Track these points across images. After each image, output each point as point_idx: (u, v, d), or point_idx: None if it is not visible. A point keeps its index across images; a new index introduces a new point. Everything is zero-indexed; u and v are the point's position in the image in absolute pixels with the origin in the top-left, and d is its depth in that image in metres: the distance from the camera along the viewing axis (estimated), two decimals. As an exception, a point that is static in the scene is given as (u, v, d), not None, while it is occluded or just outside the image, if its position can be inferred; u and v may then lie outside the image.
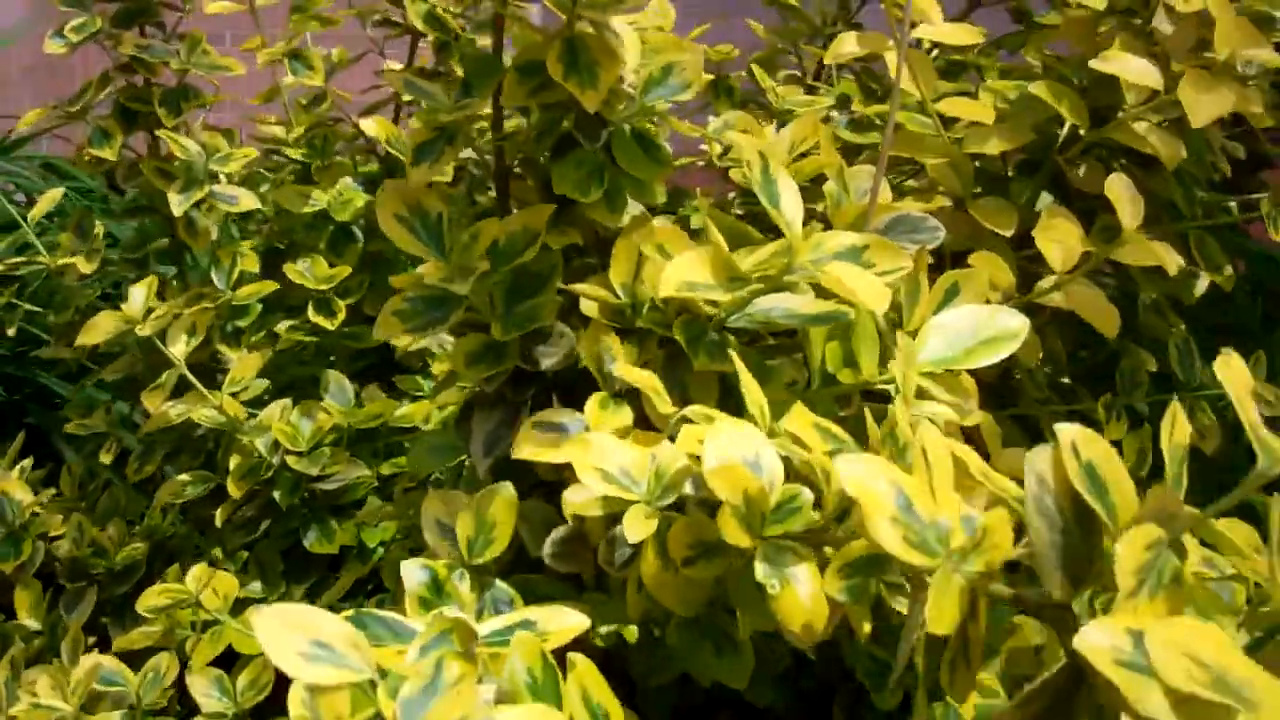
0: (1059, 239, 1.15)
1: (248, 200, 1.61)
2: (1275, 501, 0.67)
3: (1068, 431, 0.69)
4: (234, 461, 1.42)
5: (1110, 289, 1.35)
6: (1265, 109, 1.21)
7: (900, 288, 0.99)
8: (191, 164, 1.57)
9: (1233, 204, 1.39)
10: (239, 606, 1.32)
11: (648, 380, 0.97)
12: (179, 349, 1.42)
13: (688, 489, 0.88)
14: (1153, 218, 1.23)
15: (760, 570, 0.80)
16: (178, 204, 1.55)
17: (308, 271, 1.64)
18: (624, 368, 0.99)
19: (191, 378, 1.42)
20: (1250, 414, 0.69)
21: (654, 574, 0.88)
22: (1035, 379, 1.35)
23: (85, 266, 1.59)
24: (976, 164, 1.27)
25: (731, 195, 1.42)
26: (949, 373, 0.94)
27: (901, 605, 0.90)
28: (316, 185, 1.72)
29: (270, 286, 1.60)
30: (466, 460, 1.19)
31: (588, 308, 1.06)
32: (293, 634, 0.69)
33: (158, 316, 1.43)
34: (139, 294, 1.44)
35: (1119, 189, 1.13)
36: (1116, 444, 1.34)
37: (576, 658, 0.73)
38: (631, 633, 1.02)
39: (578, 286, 1.05)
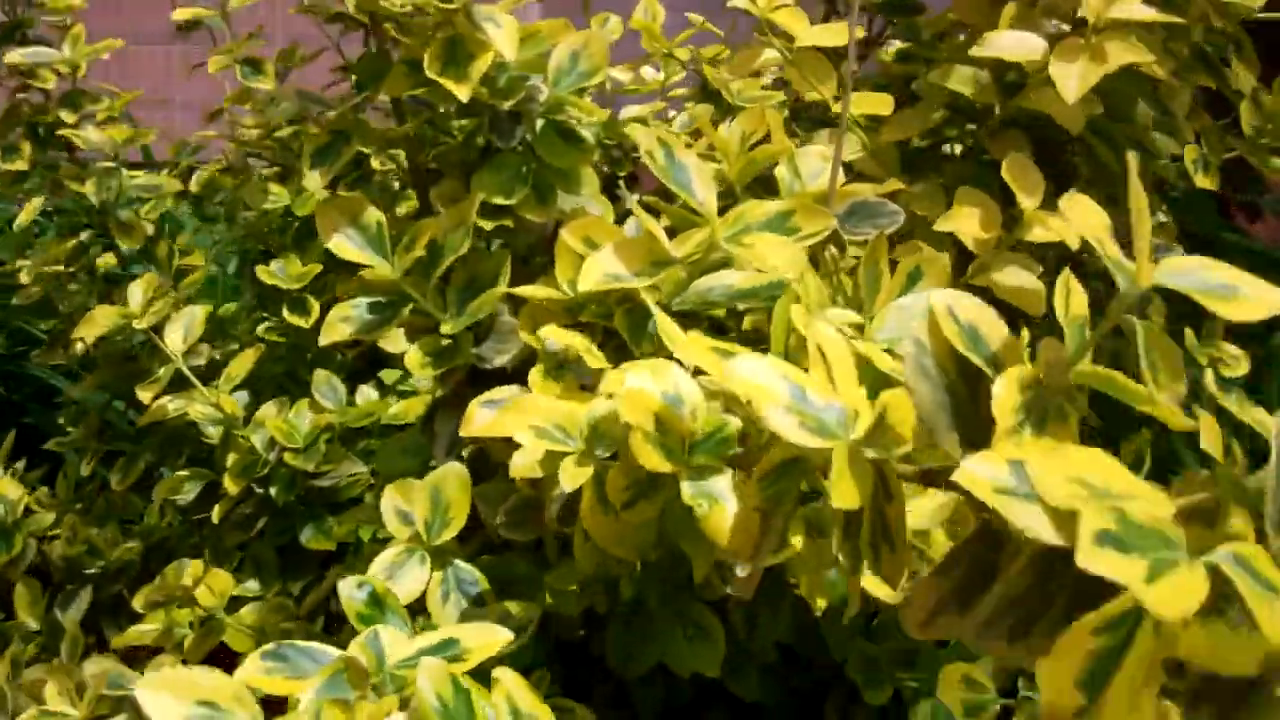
0: (969, 222, 1.16)
1: (171, 186, 1.65)
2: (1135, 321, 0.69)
3: (943, 295, 0.70)
4: (231, 458, 1.44)
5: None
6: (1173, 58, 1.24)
7: (860, 274, 1.00)
8: (103, 149, 1.61)
9: (1191, 161, 1.38)
10: (236, 605, 1.35)
11: (578, 341, 0.99)
12: (175, 343, 1.45)
13: (620, 435, 0.89)
14: (1094, 183, 1.25)
15: (687, 491, 0.82)
16: (95, 195, 1.58)
17: (280, 271, 1.65)
18: (554, 330, 1.00)
19: (187, 371, 1.45)
20: (1110, 249, 0.70)
21: (595, 521, 0.90)
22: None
23: (26, 277, 1.62)
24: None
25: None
26: None
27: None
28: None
29: (202, 269, 1.62)
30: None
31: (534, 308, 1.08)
32: (178, 699, 0.71)
33: (155, 310, 1.45)
34: (138, 290, 1.46)
35: (1014, 171, 1.15)
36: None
37: (501, 673, 0.74)
38: (601, 601, 1.04)
39: (522, 289, 1.07)
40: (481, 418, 1.02)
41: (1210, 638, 0.57)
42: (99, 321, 1.47)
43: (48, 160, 1.66)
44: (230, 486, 1.43)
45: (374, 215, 1.09)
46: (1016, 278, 1.18)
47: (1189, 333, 1.39)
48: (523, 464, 0.94)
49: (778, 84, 1.54)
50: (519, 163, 1.12)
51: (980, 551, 0.67)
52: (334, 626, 1.34)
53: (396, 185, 1.63)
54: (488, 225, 1.13)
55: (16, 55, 1.61)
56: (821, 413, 0.72)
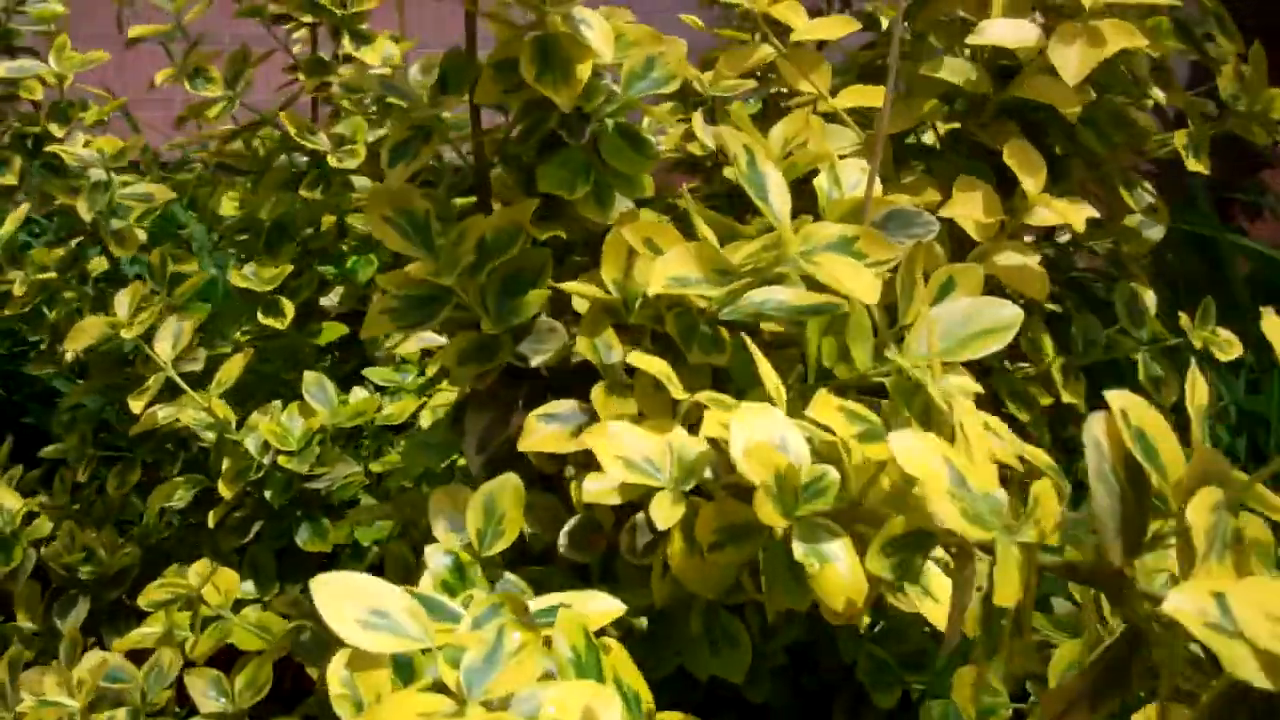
0: (970, 209, 1.19)
1: (162, 194, 1.64)
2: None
3: (1118, 398, 0.70)
4: (225, 463, 1.44)
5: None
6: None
7: (897, 282, 1.00)
8: (92, 165, 1.61)
9: (1182, 146, 1.40)
10: (236, 607, 1.34)
11: (659, 366, 0.98)
12: (165, 351, 1.45)
13: (708, 475, 0.90)
14: (1080, 164, 1.29)
15: (799, 549, 0.82)
16: (86, 210, 1.58)
17: (252, 275, 1.65)
18: (637, 355, 0.99)
19: (178, 379, 1.45)
20: None
21: (681, 559, 0.89)
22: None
23: (19, 290, 1.61)
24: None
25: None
26: (945, 365, 0.94)
27: (901, 602, 0.92)
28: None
29: (205, 275, 1.61)
30: (459, 459, 1.22)
31: (580, 305, 1.07)
32: (350, 602, 0.70)
33: (141, 320, 1.45)
34: (125, 299, 1.47)
35: (1018, 156, 1.18)
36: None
37: (609, 642, 0.75)
38: (642, 624, 1.04)
39: (569, 285, 1.06)
40: (542, 433, 1.02)
41: None
42: (87, 332, 1.47)
43: (37, 172, 1.66)
44: (225, 491, 1.44)
45: (422, 205, 1.09)
46: (1018, 260, 1.21)
47: (1183, 316, 1.43)
48: (598, 490, 0.93)
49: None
50: (582, 159, 1.12)
51: (1119, 655, 0.69)
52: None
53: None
54: (541, 235, 1.13)
55: (1, 69, 1.62)
56: (979, 502, 0.73)
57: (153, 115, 1.92)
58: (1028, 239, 1.29)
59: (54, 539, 1.50)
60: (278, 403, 1.49)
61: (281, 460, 1.44)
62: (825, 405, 0.88)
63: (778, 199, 0.98)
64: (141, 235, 1.65)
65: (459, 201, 1.25)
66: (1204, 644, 0.59)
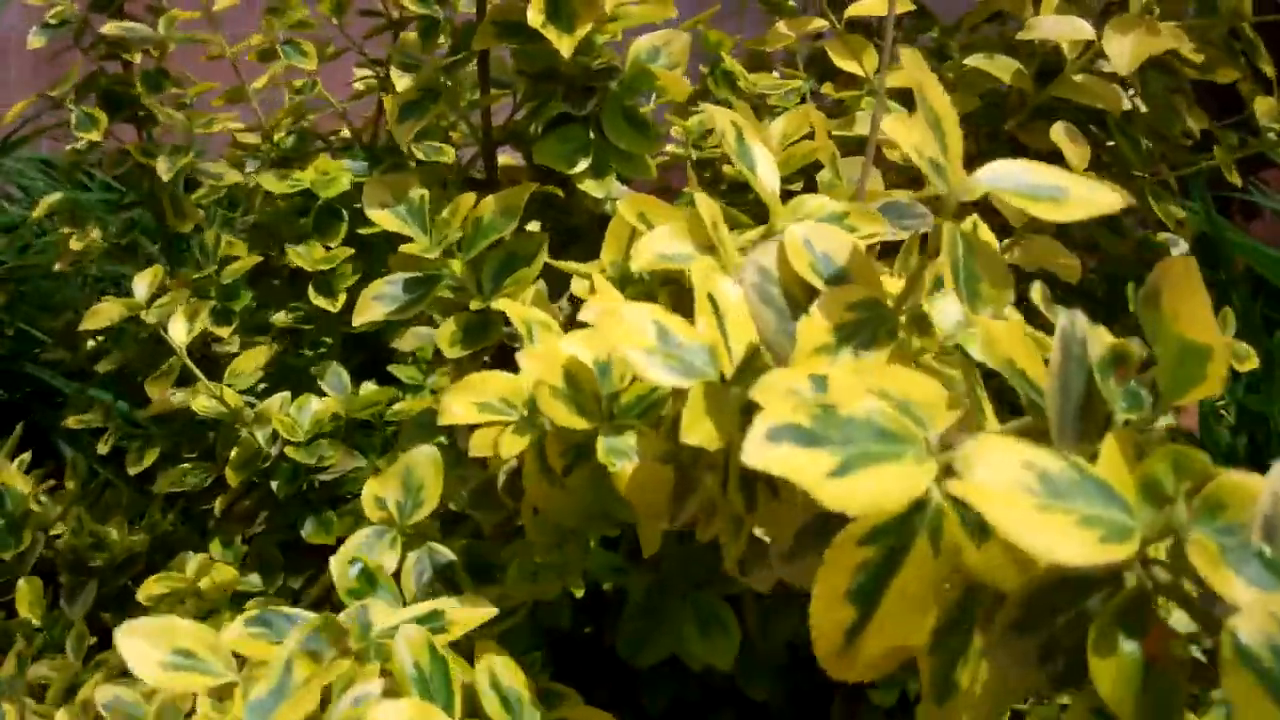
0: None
1: (232, 176, 1.65)
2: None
3: (801, 227, 0.69)
4: (233, 452, 1.43)
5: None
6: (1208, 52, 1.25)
7: (895, 267, 0.99)
8: (176, 129, 1.63)
9: (1220, 159, 1.40)
10: (240, 599, 1.34)
11: (535, 315, 0.98)
12: (180, 335, 1.43)
13: None
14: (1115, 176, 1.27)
15: (601, 448, 0.81)
16: (166, 170, 1.58)
17: (304, 254, 1.62)
18: (505, 303, 1.01)
19: (191, 365, 1.43)
20: (932, 154, 0.65)
21: (538, 489, 0.89)
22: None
23: (76, 244, 1.63)
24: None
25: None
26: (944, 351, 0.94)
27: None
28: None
29: (255, 259, 1.60)
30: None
31: (578, 288, 1.07)
32: (154, 646, 0.73)
33: (161, 304, 1.44)
34: (143, 281, 1.45)
35: (1063, 134, 1.17)
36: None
37: (485, 646, 0.75)
38: (579, 587, 1.00)
39: (568, 264, 1.06)
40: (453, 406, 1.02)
41: (986, 554, 0.55)
42: (105, 314, 1.45)
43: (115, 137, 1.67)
44: (231, 479, 1.43)
45: (419, 191, 1.09)
46: (1051, 245, 1.20)
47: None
48: (480, 441, 0.93)
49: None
50: (584, 136, 1.13)
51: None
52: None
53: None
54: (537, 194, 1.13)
55: (113, 26, 1.61)
56: (687, 353, 0.71)
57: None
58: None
59: (61, 530, 1.49)
60: (288, 393, 1.47)
61: (289, 451, 1.43)
62: (603, 292, 0.89)
63: (766, 172, 0.97)
64: (200, 215, 1.67)
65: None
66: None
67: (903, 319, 0.67)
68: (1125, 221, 1.40)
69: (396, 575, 0.97)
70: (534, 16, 1.06)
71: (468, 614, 0.81)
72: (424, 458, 1.01)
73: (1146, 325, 0.56)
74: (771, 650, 1.08)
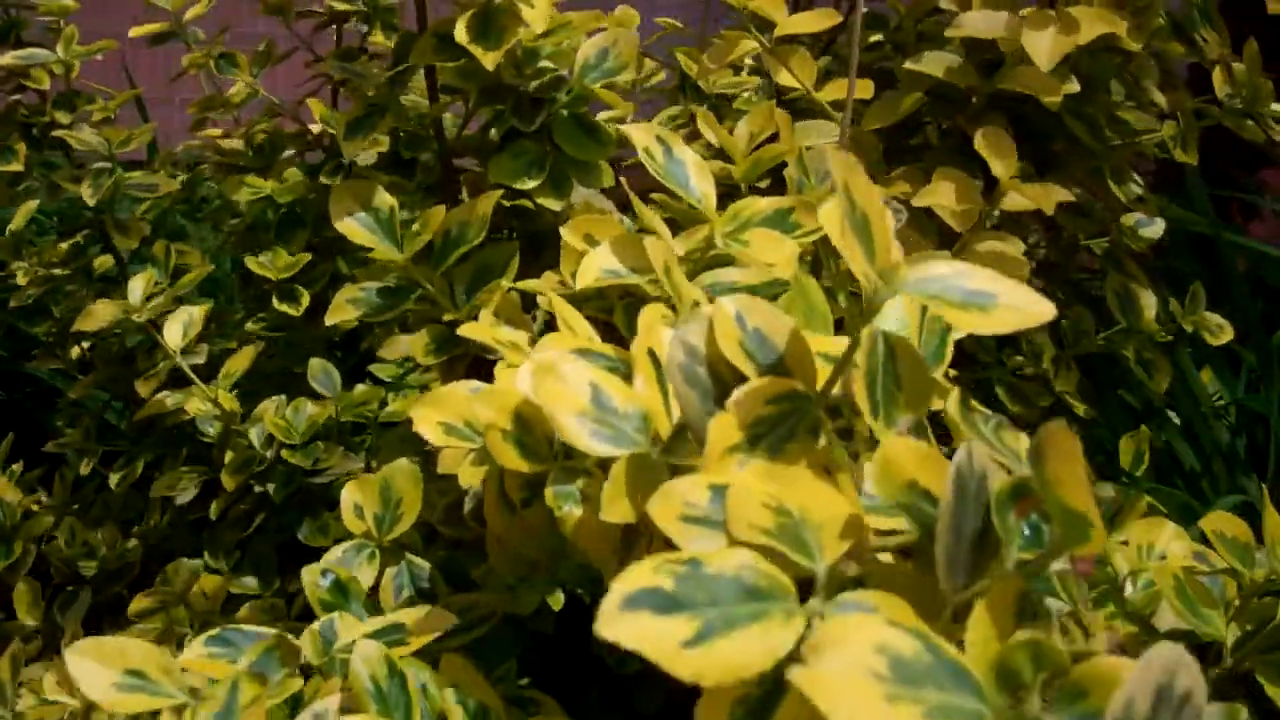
0: (946, 200, 1.18)
1: (167, 185, 1.64)
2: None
3: (731, 301, 0.66)
4: (229, 455, 1.44)
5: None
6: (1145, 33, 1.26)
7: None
8: (97, 151, 1.61)
9: (1169, 137, 1.39)
10: (235, 602, 1.36)
11: (504, 336, 0.96)
12: (174, 338, 1.43)
13: None
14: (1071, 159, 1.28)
15: (549, 494, 0.78)
16: (90, 195, 1.57)
17: (268, 263, 1.63)
18: (471, 327, 0.99)
19: (185, 368, 1.44)
20: (857, 256, 0.62)
21: (497, 519, 0.87)
22: (984, 344, 1.39)
23: (23, 279, 1.63)
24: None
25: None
26: None
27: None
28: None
29: (207, 269, 1.61)
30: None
31: (543, 302, 1.07)
32: (106, 666, 0.72)
33: (153, 306, 1.44)
34: (138, 284, 1.45)
35: (987, 142, 1.17)
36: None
37: (449, 658, 0.74)
38: (558, 600, 1.00)
39: (528, 283, 1.07)
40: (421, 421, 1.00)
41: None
42: (99, 315, 1.46)
43: (43, 161, 1.67)
44: (228, 483, 1.44)
45: (386, 200, 1.10)
46: (998, 247, 1.20)
47: (1173, 301, 1.42)
48: (449, 460, 0.94)
49: (755, 73, 1.56)
50: (537, 150, 1.13)
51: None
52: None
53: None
54: (506, 203, 1.14)
55: (9, 57, 1.62)
56: (620, 420, 0.70)
57: (152, 115, 1.92)
58: (1031, 240, 1.29)
59: (55, 536, 1.51)
60: (282, 396, 1.48)
61: (284, 454, 1.44)
62: (557, 340, 0.84)
63: (697, 182, 0.98)
64: (146, 227, 1.66)
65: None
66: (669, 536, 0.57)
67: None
68: (1096, 206, 1.41)
69: (375, 588, 0.97)
70: (461, 34, 1.08)
71: (426, 626, 0.81)
72: (403, 471, 1.01)
73: (1035, 480, 0.54)
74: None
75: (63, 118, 1.64)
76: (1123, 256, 1.43)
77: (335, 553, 0.99)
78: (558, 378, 0.70)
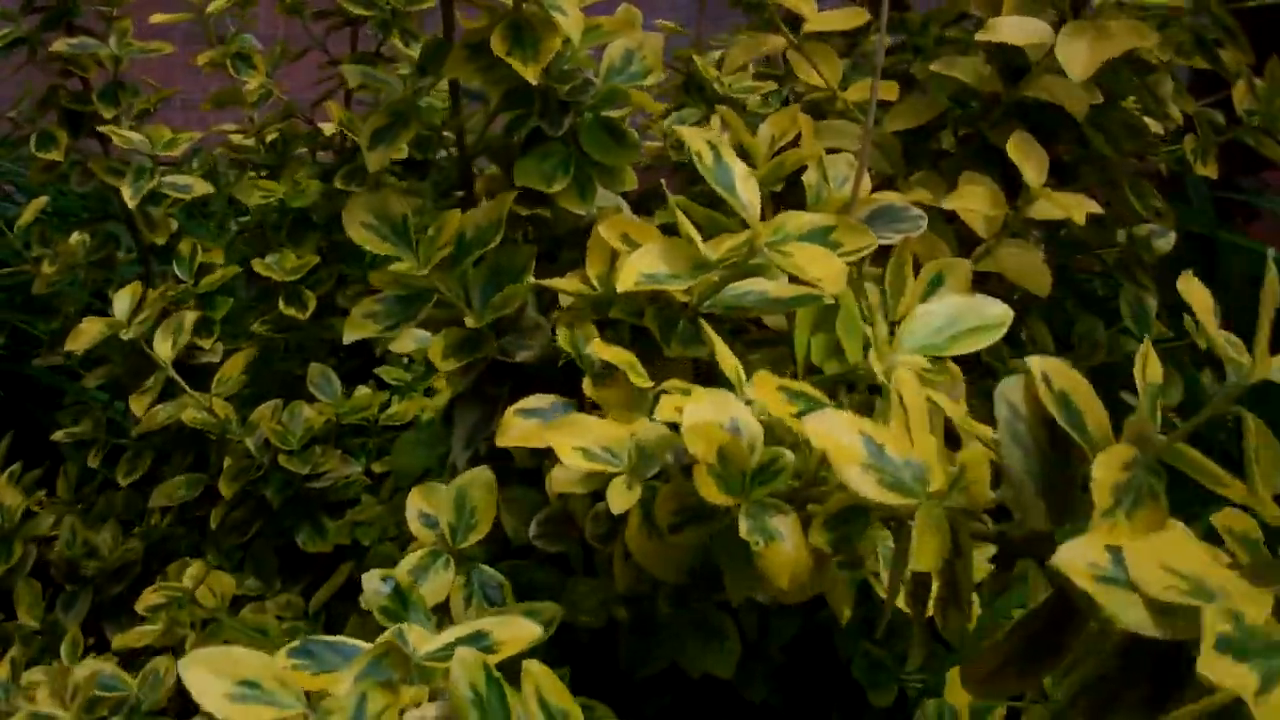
0: (976, 205, 1.17)
1: (201, 187, 1.62)
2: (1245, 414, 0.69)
3: (1039, 362, 0.70)
4: (226, 462, 1.44)
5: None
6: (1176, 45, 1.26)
7: (885, 276, 1.01)
8: (137, 153, 1.59)
9: (1190, 150, 1.40)
10: (238, 604, 1.35)
11: (623, 357, 0.98)
12: (164, 351, 1.42)
13: (669, 459, 0.90)
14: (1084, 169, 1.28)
15: (744, 527, 0.82)
16: (131, 196, 1.56)
17: (275, 265, 1.64)
18: (599, 345, 0.99)
19: (178, 379, 1.43)
20: (1213, 330, 0.71)
21: (639, 543, 0.90)
22: (1000, 353, 1.38)
23: (48, 269, 1.62)
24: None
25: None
26: (935, 360, 0.94)
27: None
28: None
29: (233, 270, 1.61)
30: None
31: (565, 302, 1.07)
32: (220, 677, 0.71)
33: (141, 320, 1.43)
34: (123, 299, 1.44)
35: (1020, 149, 1.16)
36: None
37: (530, 664, 0.73)
38: (621, 612, 1.04)
39: (551, 281, 1.06)
40: (519, 428, 1.02)
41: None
42: (87, 333, 1.44)
43: (80, 150, 1.65)
44: (225, 490, 1.43)
45: (400, 208, 1.09)
46: (1022, 258, 1.19)
47: (1187, 317, 1.41)
48: (564, 479, 0.94)
49: (761, 77, 1.55)
50: (563, 153, 1.12)
51: (1050, 622, 0.68)
52: (336, 627, 1.32)
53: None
54: (524, 211, 1.13)
55: (61, 44, 1.60)
56: (899, 470, 0.73)
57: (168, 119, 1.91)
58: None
59: (55, 536, 1.50)
60: (279, 401, 1.48)
61: (281, 460, 1.43)
62: (764, 384, 0.88)
63: (744, 190, 0.97)
64: (173, 224, 1.66)
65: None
66: (1091, 597, 0.59)
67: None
68: (1107, 215, 1.40)
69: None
70: (498, 45, 1.06)
71: (514, 634, 0.80)
72: (480, 482, 1.01)
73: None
74: (769, 653, 1.09)
75: (106, 111, 1.62)
76: (1134, 267, 1.42)
77: (411, 560, 0.99)
78: (830, 432, 0.74)
